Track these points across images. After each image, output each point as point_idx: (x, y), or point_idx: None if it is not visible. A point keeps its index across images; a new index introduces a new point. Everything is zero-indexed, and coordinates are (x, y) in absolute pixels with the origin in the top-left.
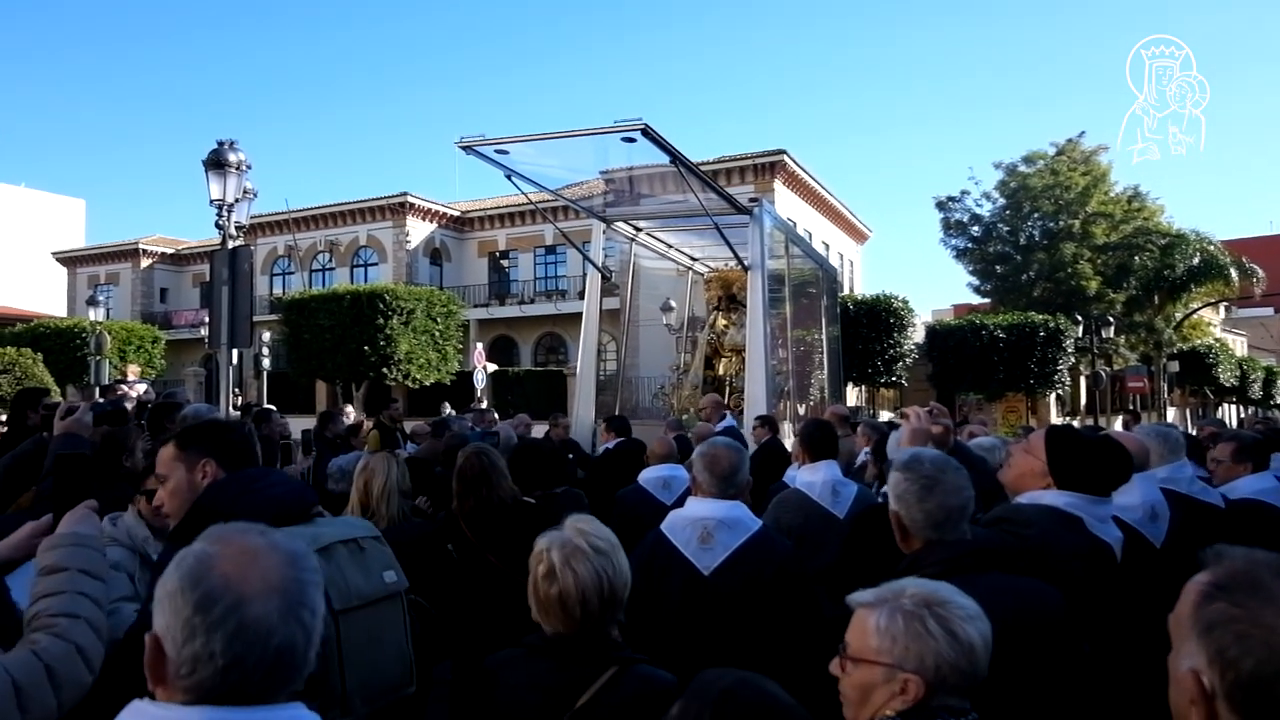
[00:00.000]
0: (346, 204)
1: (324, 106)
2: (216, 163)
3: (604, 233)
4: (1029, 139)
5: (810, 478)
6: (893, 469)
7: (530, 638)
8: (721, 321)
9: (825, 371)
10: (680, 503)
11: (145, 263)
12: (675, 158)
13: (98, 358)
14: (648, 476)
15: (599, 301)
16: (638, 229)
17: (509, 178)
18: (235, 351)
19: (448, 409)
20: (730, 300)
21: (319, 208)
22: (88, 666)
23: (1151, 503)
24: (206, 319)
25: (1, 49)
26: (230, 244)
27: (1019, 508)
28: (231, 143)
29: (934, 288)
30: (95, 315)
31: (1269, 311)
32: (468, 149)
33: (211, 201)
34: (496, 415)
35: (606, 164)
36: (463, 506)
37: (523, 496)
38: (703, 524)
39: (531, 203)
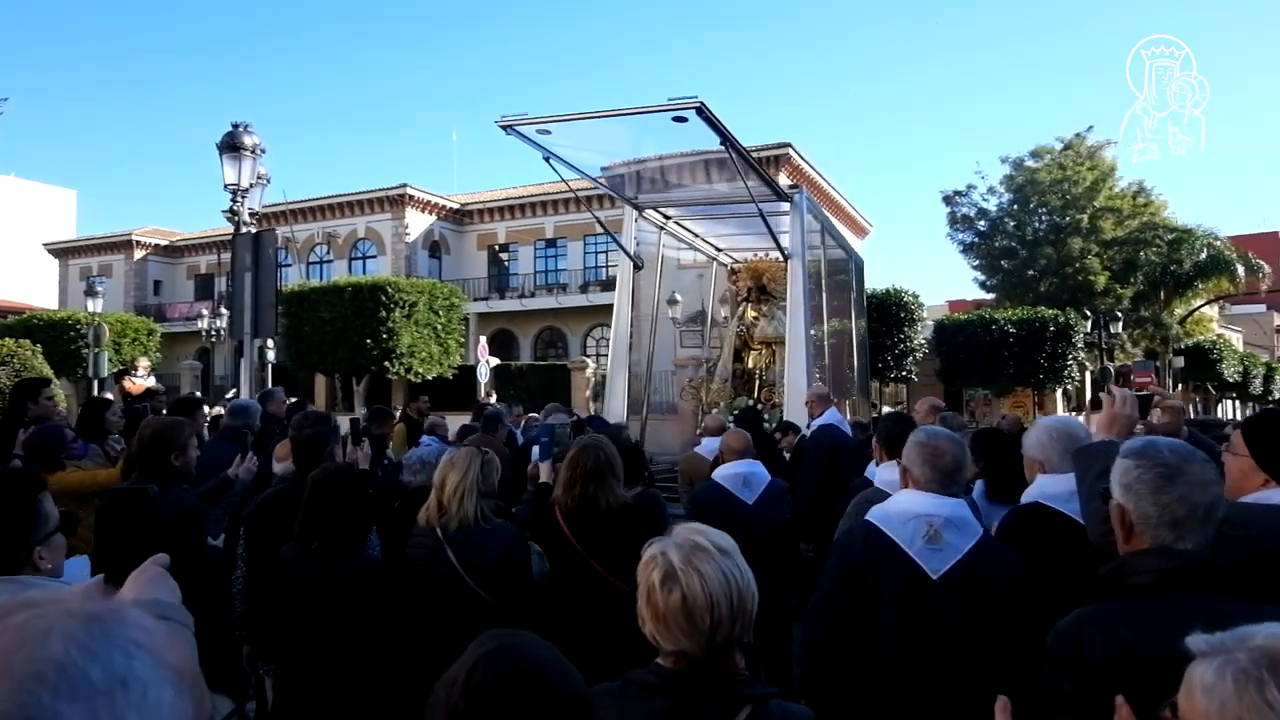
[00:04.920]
0: (345, 195)
1: (321, 96)
2: (231, 146)
3: (635, 221)
4: (1033, 135)
5: (892, 476)
6: (1121, 455)
7: (635, 673)
8: (751, 313)
9: (856, 364)
10: (767, 500)
11: (138, 254)
12: (726, 139)
13: (96, 350)
14: (725, 473)
15: (631, 291)
16: (667, 217)
17: (547, 160)
18: (257, 341)
19: (493, 399)
20: (760, 291)
21: (317, 199)
22: None
23: None
24: (203, 311)
25: None
26: (245, 230)
27: (1244, 507)
28: (246, 125)
29: (933, 283)
30: (94, 306)
31: (1262, 309)
32: (508, 128)
33: (226, 186)
34: (522, 410)
35: (642, 149)
36: (566, 503)
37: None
38: (927, 521)
39: (571, 189)
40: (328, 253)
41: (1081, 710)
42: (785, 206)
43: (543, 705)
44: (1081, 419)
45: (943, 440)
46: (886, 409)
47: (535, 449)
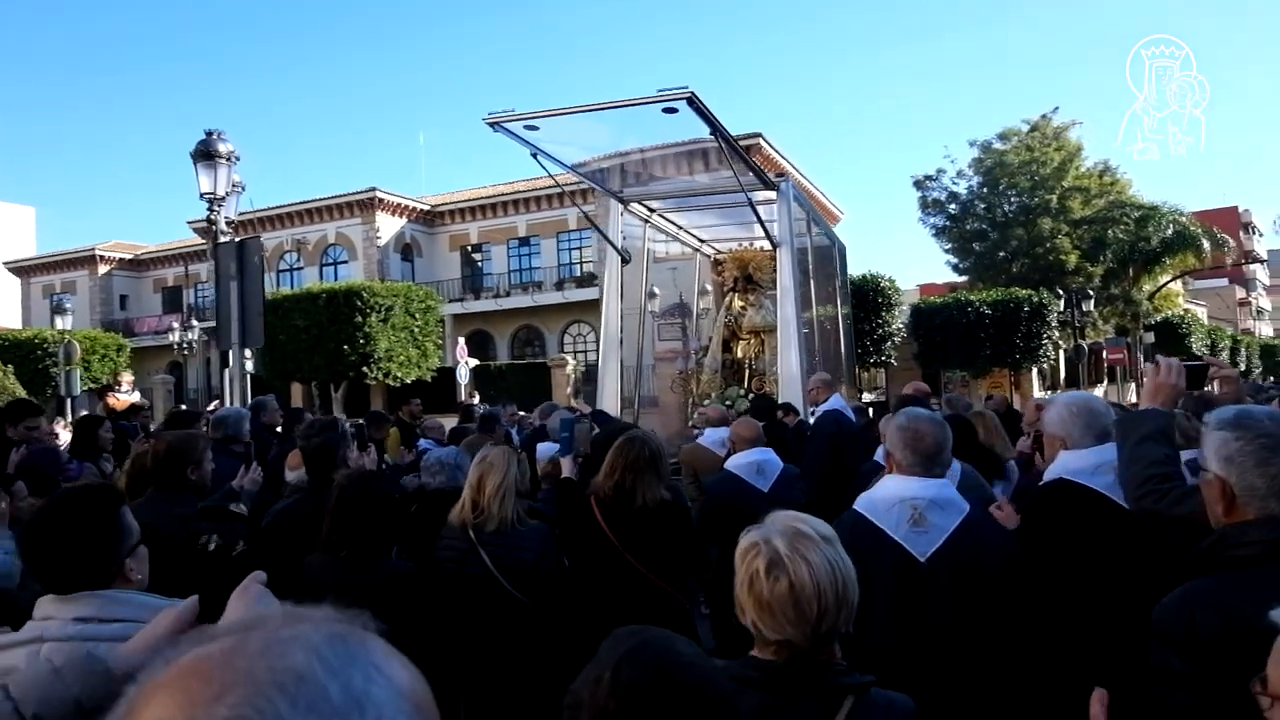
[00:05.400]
0: (313, 201)
1: (284, 102)
2: (206, 154)
3: (620, 214)
4: (1000, 118)
5: None
6: (1215, 427)
7: (728, 665)
8: (738, 303)
9: (844, 350)
10: (782, 487)
11: (103, 269)
12: (716, 130)
13: (67, 368)
14: (739, 462)
15: (619, 285)
16: (651, 210)
17: (534, 156)
18: (247, 350)
19: (476, 399)
20: (747, 281)
21: (285, 206)
22: None
23: None
24: (174, 324)
25: None
26: (223, 238)
27: None
28: (219, 133)
29: (904, 268)
30: (62, 324)
31: (1224, 282)
32: (495, 125)
33: (202, 195)
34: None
35: (625, 141)
36: (604, 491)
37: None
38: (912, 504)
39: (557, 184)
40: (298, 260)
41: (1196, 686)
42: (772, 195)
43: (691, 701)
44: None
45: (923, 422)
46: (867, 396)
47: (541, 446)
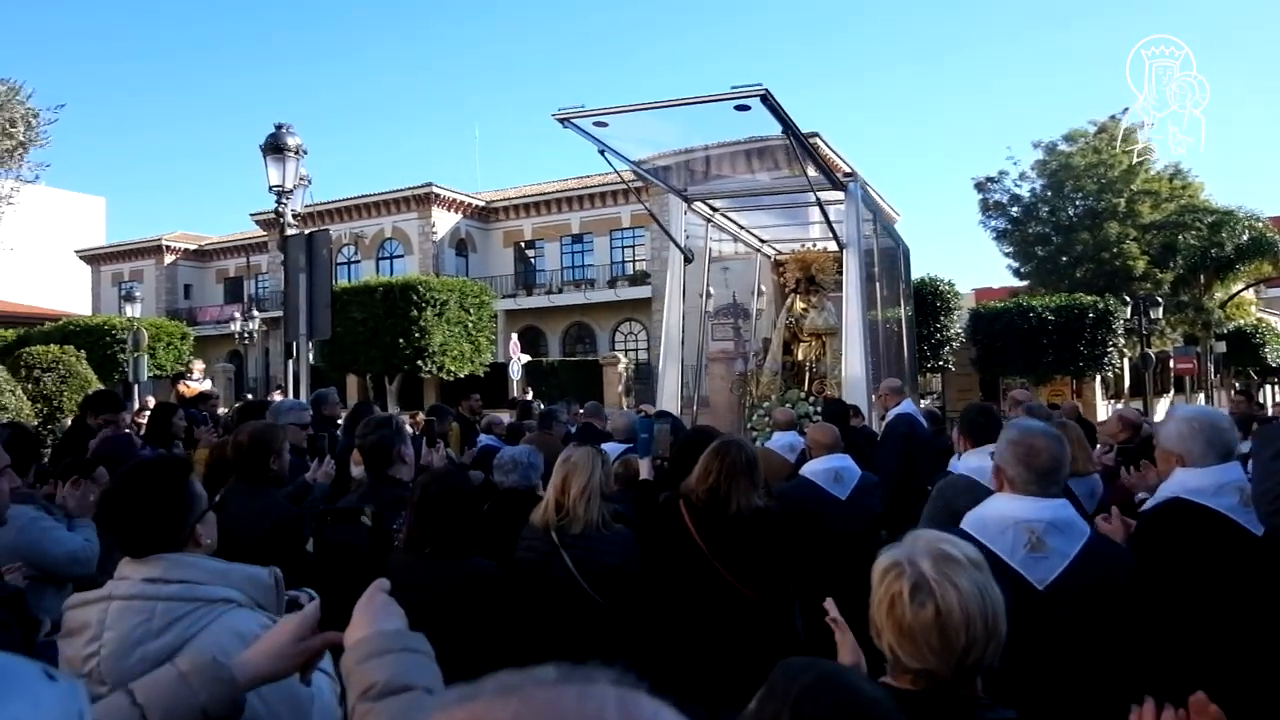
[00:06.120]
0: (371, 196)
1: (341, 96)
2: (275, 147)
3: (684, 213)
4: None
5: (979, 463)
6: None
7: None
8: (800, 305)
9: (906, 353)
10: (860, 495)
11: (169, 259)
12: (788, 128)
13: (136, 354)
14: (815, 469)
15: (682, 284)
16: (714, 209)
17: (602, 153)
18: (310, 342)
19: (529, 395)
20: (809, 282)
21: (343, 200)
22: None
23: None
24: (235, 314)
25: (9, 46)
26: (290, 231)
27: None
28: (288, 126)
29: (960, 272)
30: (131, 311)
31: None
32: (564, 121)
33: (271, 188)
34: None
35: (690, 139)
36: (697, 496)
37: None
38: (1029, 527)
39: (623, 181)
40: (355, 253)
41: None
42: (839, 195)
43: None
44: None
45: (1038, 437)
46: (923, 402)
47: (606, 446)
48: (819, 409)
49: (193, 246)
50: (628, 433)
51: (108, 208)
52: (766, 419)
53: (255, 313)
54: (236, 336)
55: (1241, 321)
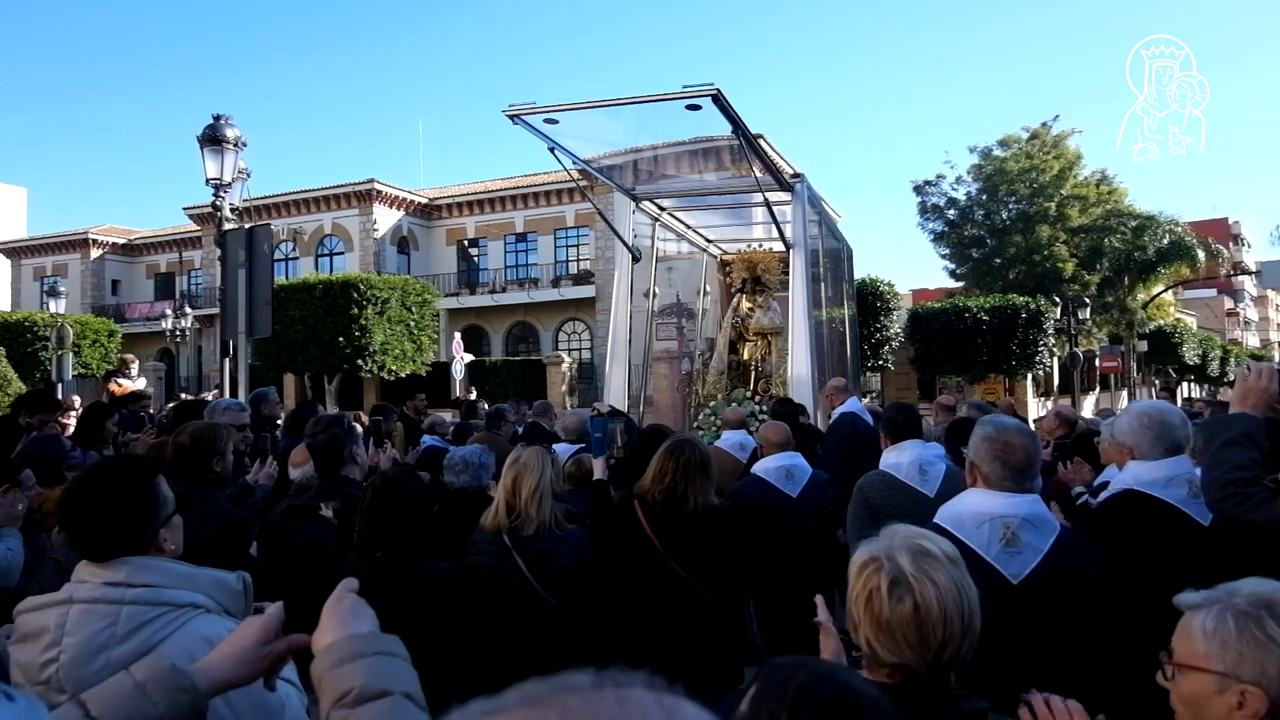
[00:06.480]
0: (311, 191)
1: (282, 90)
2: (213, 139)
3: (632, 212)
4: (999, 125)
5: (895, 459)
6: None
7: None
8: (746, 304)
9: (849, 353)
10: (811, 493)
11: (95, 253)
12: (738, 128)
13: (60, 352)
14: (767, 466)
15: (630, 283)
16: (661, 208)
17: (551, 150)
18: (247, 340)
19: (474, 395)
20: (755, 283)
21: (282, 195)
22: None
23: None
24: (167, 311)
25: None
26: (228, 225)
27: None
28: (227, 118)
29: (896, 273)
30: (55, 307)
31: (1213, 293)
32: (514, 118)
33: (208, 180)
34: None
35: (640, 138)
36: (653, 495)
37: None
38: (1004, 522)
39: (572, 179)
40: (293, 250)
41: None
42: (786, 196)
43: None
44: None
45: (1014, 434)
46: (863, 400)
47: (558, 447)
48: (765, 408)
49: (121, 240)
50: (578, 432)
51: (29, 199)
52: (713, 418)
53: (188, 309)
54: (168, 334)
55: (1162, 321)
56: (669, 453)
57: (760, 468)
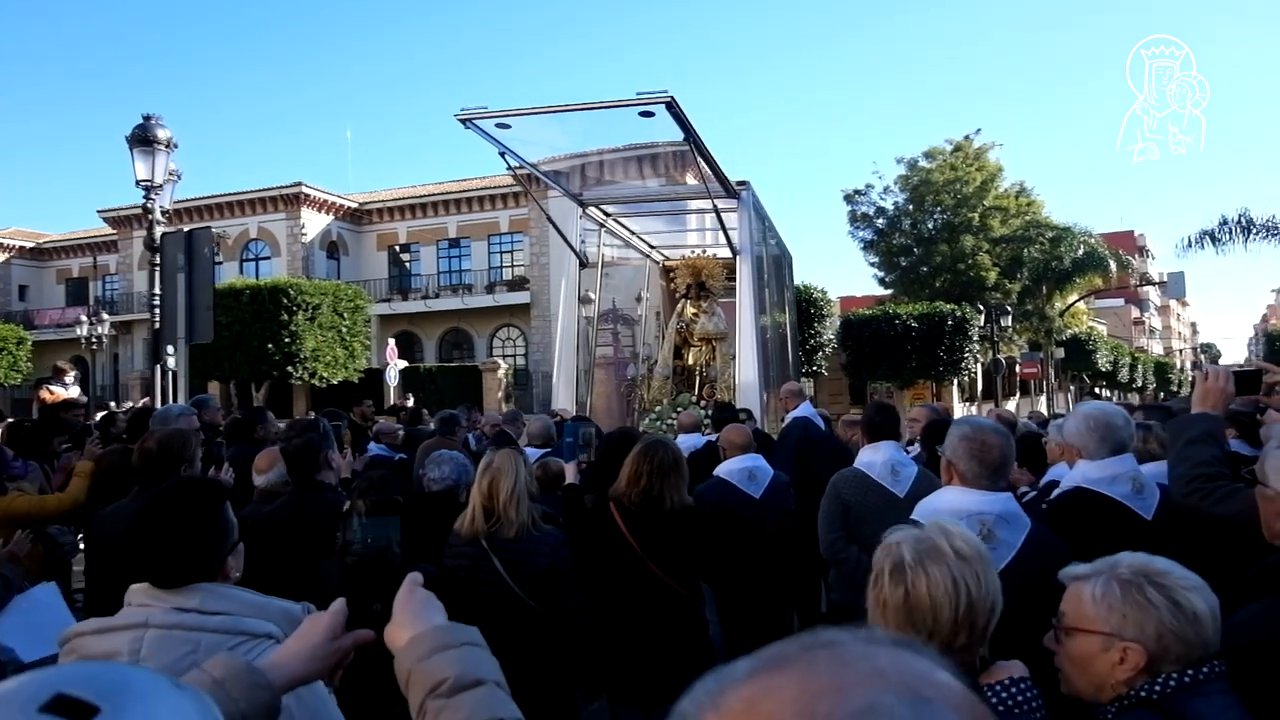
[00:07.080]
0: (235, 194)
1: (204, 90)
2: (143, 139)
3: (579, 217)
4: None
5: (870, 458)
6: (1277, 446)
7: None
8: (690, 310)
9: (791, 358)
10: (773, 494)
11: (1, 258)
12: (690, 135)
13: None
14: (730, 468)
15: (577, 288)
16: (607, 214)
17: (502, 155)
18: (186, 345)
19: (410, 401)
20: (700, 288)
21: (205, 198)
22: None
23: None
24: (81, 317)
25: None
26: (158, 228)
27: None
28: (158, 118)
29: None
30: None
31: (1120, 302)
32: (466, 122)
33: (138, 182)
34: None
35: (589, 143)
36: (629, 498)
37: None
38: (980, 519)
39: (518, 181)
40: (217, 254)
41: None
42: (733, 203)
43: None
44: (974, 410)
45: (990, 434)
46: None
47: (528, 451)
48: (710, 413)
49: (30, 244)
50: (543, 437)
51: None
52: (659, 423)
53: (104, 315)
54: (83, 341)
55: (1077, 329)
56: (643, 454)
57: (723, 470)
